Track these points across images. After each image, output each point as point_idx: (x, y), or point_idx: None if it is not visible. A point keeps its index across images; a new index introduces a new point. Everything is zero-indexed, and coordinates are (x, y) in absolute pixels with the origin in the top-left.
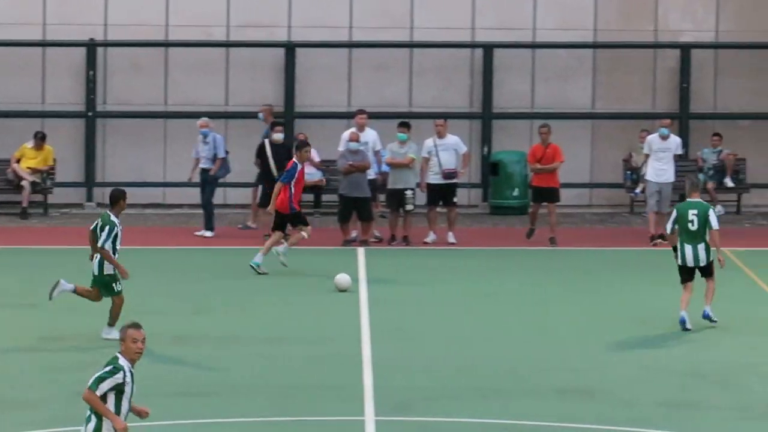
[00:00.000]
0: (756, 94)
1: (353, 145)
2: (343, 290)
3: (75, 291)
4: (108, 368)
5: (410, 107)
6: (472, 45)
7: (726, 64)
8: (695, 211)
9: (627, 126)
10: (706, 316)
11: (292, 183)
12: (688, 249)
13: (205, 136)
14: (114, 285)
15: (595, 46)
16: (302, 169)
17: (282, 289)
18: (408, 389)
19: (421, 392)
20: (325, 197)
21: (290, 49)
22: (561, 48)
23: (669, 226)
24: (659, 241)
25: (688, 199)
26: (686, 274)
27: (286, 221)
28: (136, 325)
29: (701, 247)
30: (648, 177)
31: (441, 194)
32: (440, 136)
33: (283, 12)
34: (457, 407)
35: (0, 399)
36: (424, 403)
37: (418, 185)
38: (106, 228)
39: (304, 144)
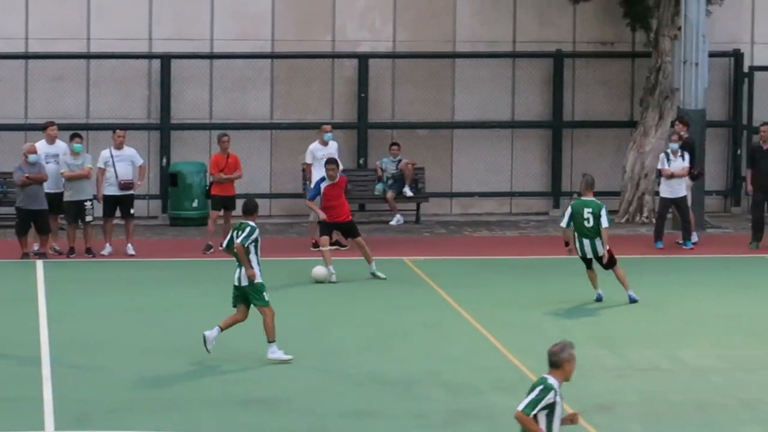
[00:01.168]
0: (433, 103)
1: (32, 158)
2: (320, 281)
3: (221, 329)
4: (539, 389)
5: (87, 118)
6: (150, 56)
7: (403, 73)
8: (590, 210)
9: (306, 136)
10: (632, 300)
11: None
12: (586, 243)
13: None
14: (264, 293)
15: (272, 56)
16: (331, 184)
17: None
18: (88, 401)
19: (101, 404)
20: (1, 210)
21: None
22: (238, 58)
23: (565, 222)
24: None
25: (582, 198)
26: (587, 262)
27: None
28: (573, 346)
29: (597, 241)
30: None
31: (118, 205)
32: (118, 147)
33: None
34: (137, 419)
35: None
36: (104, 415)
37: (95, 196)
38: (246, 229)
39: None
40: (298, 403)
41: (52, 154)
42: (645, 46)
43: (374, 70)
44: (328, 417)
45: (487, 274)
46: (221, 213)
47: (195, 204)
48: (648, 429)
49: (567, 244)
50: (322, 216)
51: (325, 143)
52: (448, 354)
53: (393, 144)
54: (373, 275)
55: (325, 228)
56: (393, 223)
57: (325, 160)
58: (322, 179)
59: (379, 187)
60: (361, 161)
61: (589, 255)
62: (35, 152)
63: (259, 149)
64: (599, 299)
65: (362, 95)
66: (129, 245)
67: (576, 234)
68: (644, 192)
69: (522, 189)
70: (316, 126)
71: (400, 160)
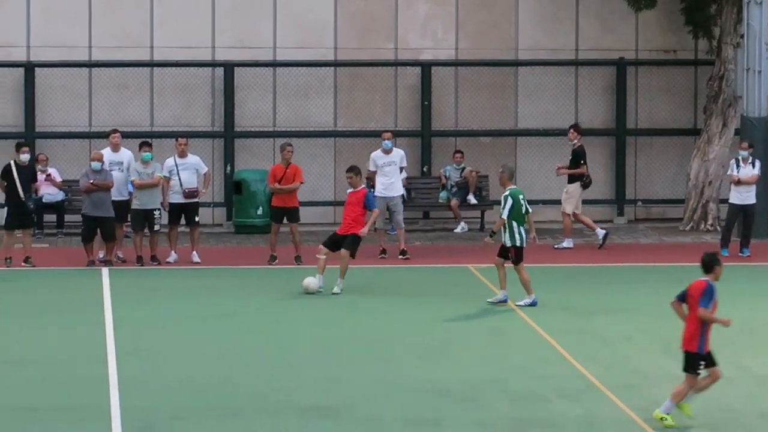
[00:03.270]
0: (496, 111)
1: (96, 165)
2: (311, 292)
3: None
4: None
5: (152, 126)
6: (213, 64)
7: (466, 81)
8: (522, 196)
9: (370, 144)
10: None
11: None
12: (522, 230)
13: None
14: None
15: (335, 64)
16: (352, 192)
17: (25, 310)
18: (153, 409)
19: (165, 412)
20: (68, 217)
21: (30, 69)
22: (301, 66)
23: (506, 213)
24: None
25: (513, 186)
26: (523, 254)
27: None
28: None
29: (524, 228)
30: (377, 193)
31: (183, 213)
32: (181, 155)
33: (21, 32)
34: (201, 427)
35: None
36: (169, 423)
37: (161, 204)
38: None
39: None
40: (360, 412)
41: (117, 162)
42: (707, 53)
43: (437, 78)
44: (390, 425)
45: (550, 282)
46: (283, 223)
47: (259, 212)
48: None
49: (494, 234)
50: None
51: (386, 151)
52: (511, 362)
53: (456, 152)
54: (334, 292)
55: (329, 240)
56: (457, 230)
57: (386, 168)
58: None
59: (442, 194)
60: (424, 169)
61: (525, 244)
62: (101, 160)
63: (323, 157)
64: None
65: (425, 103)
66: (194, 253)
67: (515, 223)
68: (708, 200)
69: (585, 197)
70: (379, 134)
71: (463, 168)
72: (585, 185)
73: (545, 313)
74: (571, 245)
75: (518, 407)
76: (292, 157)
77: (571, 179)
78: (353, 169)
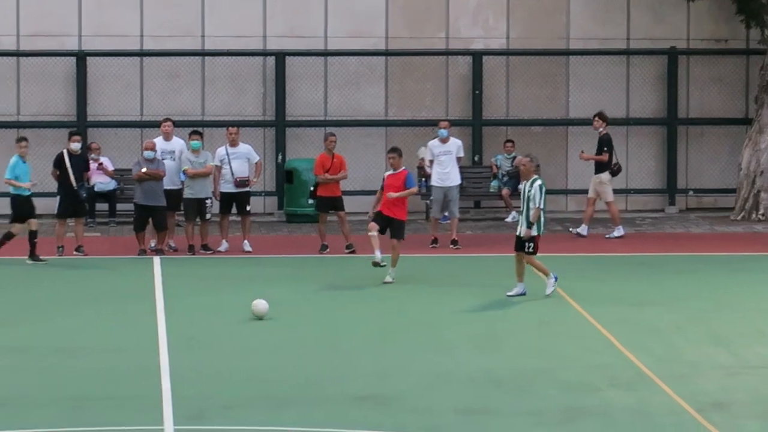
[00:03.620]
0: (547, 100)
1: (148, 154)
2: (260, 317)
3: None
4: None
5: (203, 115)
6: (264, 53)
7: (517, 70)
8: None
9: (421, 133)
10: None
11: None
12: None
13: None
14: None
15: (386, 53)
16: (391, 174)
17: (77, 299)
18: (204, 398)
19: (217, 401)
20: (120, 206)
21: (81, 58)
22: (352, 55)
23: (543, 202)
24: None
25: (537, 176)
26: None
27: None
28: None
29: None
30: (432, 182)
31: (234, 202)
32: (233, 144)
33: (73, 21)
34: (253, 416)
35: None
36: (221, 412)
37: (213, 193)
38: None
39: None
40: (412, 401)
41: (169, 151)
42: (759, 43)
43: (488, 67)
44: (442, 414)
45: (602, 271)
46: (330, 213)
47: (310, 201)
48: (765, 428)
49: (532, 225)
50: (376, 207)
51: (443, 140)
52: (562, 351)
53: (507, 141)
54: (386, 281)
55: (378, 218)
56: (508, 219)
57: (442, 157)
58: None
59: (494, 184)
60: (476, 158)
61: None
62: (153, 148)
63: (374, 146)
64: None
65: (476, 92)
66: (245, 242)
67: (541, 213)
68: (760, 189)
69: (637, 186)
70: (430, 123)
71: (514, 157)
72: (614, 173)
73: (596, 302)
74: (622, 233)
75: (569, 396)
76: (335, 146)
77: (600, 168)
78: (397, 150)
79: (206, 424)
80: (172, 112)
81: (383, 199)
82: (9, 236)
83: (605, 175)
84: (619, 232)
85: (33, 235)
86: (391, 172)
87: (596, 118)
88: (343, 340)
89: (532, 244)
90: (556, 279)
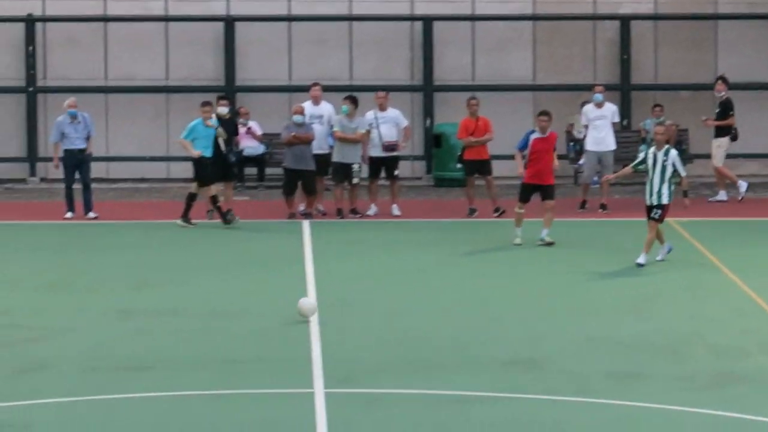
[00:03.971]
0: (695, 65)
1: (298, 118)
2: (305, 315)
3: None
4: None
5: (351, 80)
6: (411, 18)
7: (665, 35)
8: None
9: (568, 98)
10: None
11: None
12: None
13: (75, 116)
14: None
15: (534, 18)
16: (540, 138)
17: (227, 262)
18: (354, 362)
19: (367, 365)
20: (269, 170)
21: (229, 23)
22: (500, 20)
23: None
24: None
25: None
26: None
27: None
28: None
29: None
30: (587, 147)
31: (383, 167)
32: (381, 109)
33: None
34: (402, 379)
35: None
36: (371, 376)
37: (362, 158)
38: None
39: None
40: (562, 364)
41: (317, 115)
42: None
43: (636, 32)
44: (593, 378)
45: (753, 236)
46: (476, 177)
47: (459, 165)
48: None
49: (686, 194)
50: (521, 171)
51: (598, 105)
52: (712, 315)
53: (656, 105)
54: (542, 240)
55: (525, 191)
56: None
57: (597, 122)
58: (532, 131)
59: (642, 148)
60: (624, 122)
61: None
62: (302, 113)
63: (521, 111)
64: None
65: (624, 57)
66: (394, 206)
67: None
68: None
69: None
70: (577, 88)
71: (663, 122)
72: (734, 138)
73: (744, 267)
74: (725, 198)
75: (720, 361)
76: (477, 110)
77: (720, 132)
78: (548, 113)
79: (356, 387)
80: (320, 77)
81: (531, 167)
82: (215, 200)
83: (725, 140)
84: (722, 196)
85: (192, 197)
86: (538, 135)
87: (719, 82)
88: (491, 304)
89: (660, 211)
90: (670, 250)
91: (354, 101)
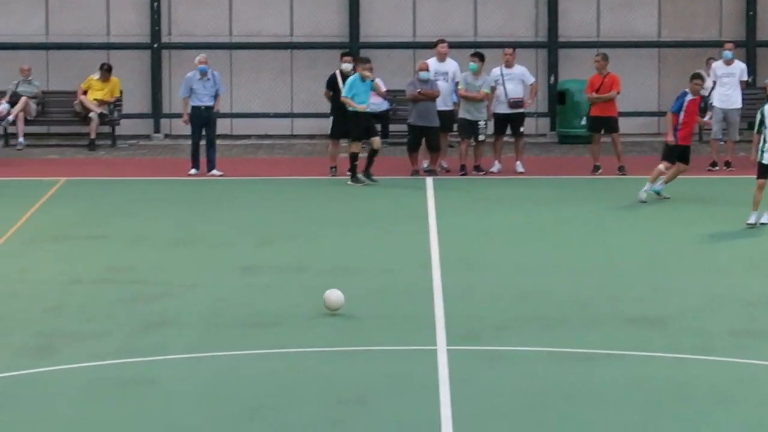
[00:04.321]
0: None
1: (423, 75)
2: (333, 309)
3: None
4: None
5: (475, 37)
6: None
7: None
8: None
9: (693, 54)
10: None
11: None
12: None
13: (204, 73)
14: None
15: None
16: (693, 100)
17: (351, 219)
18: (477, 318)
19: (490, 321)
20: (393, 127)
21: None
22: None
23: None
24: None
25: None
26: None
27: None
28: None
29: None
30: (714, 103)
31: (508, 123)
32: (508, 65)
33: None
34: (526, 336)
35: (68, 330)
36: (494, 333)
37: (486, 114)
38: None
39: None
40: (686, 322)
41: (442, 72)
42: None
43: None
44: (717, 336)
45: None
46: (602, 134)
47: (583, 122)
48: None
49: None
50: (670, 138)
51: (727, 62)
52: None
53: None
54: (657, 194)
55: (676, 152)
56: None
57: (725, 79)
58: (685, 93)
59: None
60: (749, 80)
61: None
62: (427, 69)
63: (646, 67)
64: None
65: (750, 13)
66: (518, 163)
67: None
68: None
69: None
70: (703, 44)
71: None
72: None
73: None
74: None
75: None
76: (604, 66)
77: None
78: (701, 76)
79: (479, 344)
80: (444, 34)
81: (683, 129)
82: (355, 158)
83: None
84: None
85: (373, 153)
86: (691, 97)
87: None
88: (616, 261)
89: None
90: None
91: (481, 58)
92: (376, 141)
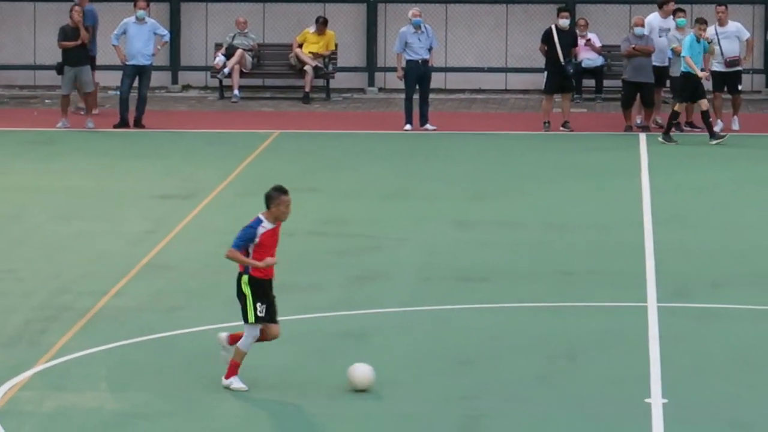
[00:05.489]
0: None
1: (638, 30)
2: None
3: None
4: None
5: None
6: None
7: None
8: None
9: None
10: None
11: None
12: None
13: (418, 26)
14: None
15: None
16: None
17: (564, 175)
18: (689, 276)
19: (702, 279)
20: (607, 83)
21: None
22: None
23: None
24: None
25: None
26: None
27: None
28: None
29: None
30: None
31: (725, 82)
32: (721, 23)
33: None
34: (739, 294)
35: (281, 282)
36: (705, 290)
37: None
38: None
39: None
40: None
41: (665, 28)
42: None
43: None
44: None
45: None
46: None
47: None
48: None
49: None
50: None
51: None
52: None
53: None
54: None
55: None
56: None
57: None
58: None
59: None
60: None
61: None
62: (642, 25)
63: None
64: None
65: None
66: (734, 119)
67: None
68: None
69: None
70: None
71: None
72: None
73: None
74: None
75: None
76: None
77: None
78: None
79: (691, 302)
80: None
81: None
82: (707, 115)
83: None
84: None
85: (705, 115)
86: None
87: None
88: None
89: None
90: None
91: (683, 13)
92: (704, 103)
